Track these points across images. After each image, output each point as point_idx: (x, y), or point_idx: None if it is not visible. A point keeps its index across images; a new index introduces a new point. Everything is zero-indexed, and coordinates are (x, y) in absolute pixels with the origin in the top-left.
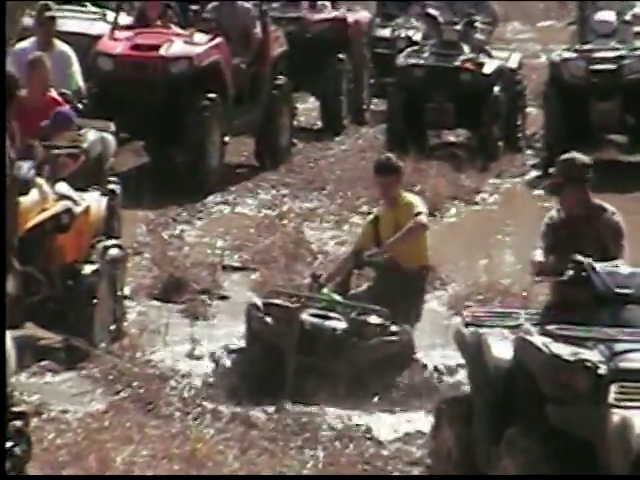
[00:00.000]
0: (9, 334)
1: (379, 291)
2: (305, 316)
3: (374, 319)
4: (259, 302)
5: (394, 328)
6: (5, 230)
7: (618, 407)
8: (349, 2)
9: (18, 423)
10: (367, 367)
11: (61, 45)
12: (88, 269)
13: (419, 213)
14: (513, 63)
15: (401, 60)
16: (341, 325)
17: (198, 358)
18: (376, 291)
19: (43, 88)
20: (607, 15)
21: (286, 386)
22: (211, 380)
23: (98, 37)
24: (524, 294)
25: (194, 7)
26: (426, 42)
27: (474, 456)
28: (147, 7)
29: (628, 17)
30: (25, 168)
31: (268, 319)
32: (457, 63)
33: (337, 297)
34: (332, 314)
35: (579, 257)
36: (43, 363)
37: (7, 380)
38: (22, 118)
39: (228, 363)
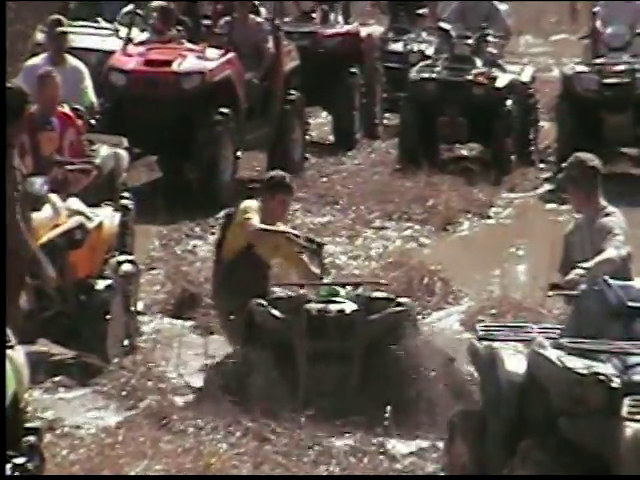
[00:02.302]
0: (22, 350)
1: None
2: (310, 304)
3: (378, 294)
4: (262, 300)
5: (400, 300)
6: (6, 238)
7: (631, 420)
8: (361, 16)
9: (31, 439)
10: (377, 340)
11: (73, 61)
12: (101, 285)
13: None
14: (526, 77)
15: (413, 74)
16: (349, 306)
17: (212, 373)
18: None
19: (53, 103)
20: (620, 28)
21: (300, 386)
22: (224, 394)
23: (110, 53)
24: (537, 308)
25: (206, 22)
26: (438, 56)
27: (488, 470)
28: (160, 20)
29: None
30: (38, 184)
31: (275, 312)
32: (469, 77)
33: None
34: (336, 299)
35: (581, 265)
36: (56, 379)
37: (21, 396)
38: (33, 133)
39: (240, 373)
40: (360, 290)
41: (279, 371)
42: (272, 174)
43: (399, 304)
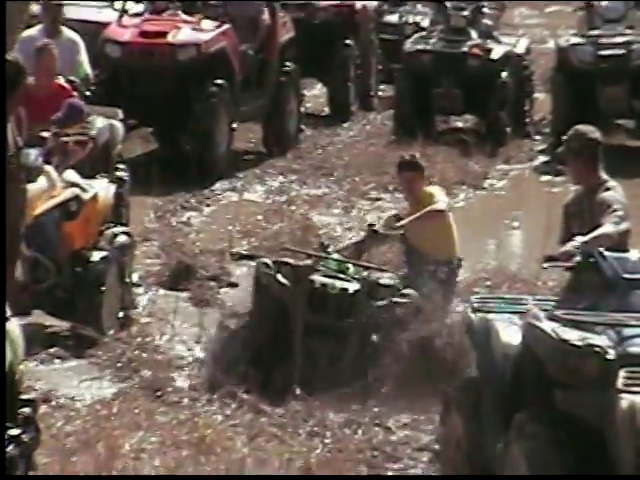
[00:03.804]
0: (17, 321)
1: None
2: (315, 276)
3: (385, 280)
4: (269, 261)
5: (405, 291)
6: (5, 220)
7: (627, 392)
8: None
9: (26, 410)
10: (376, 327)
11: (69, 32)
12: (96, 256)
13: (437, 200)
14: (521, 48)
15: (408, 46)
16: (352, 286)
17: (207, 344)
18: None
19: (50, 75)
20: (615, 0)
21: (295, 358)
22: (219, 366)
23: (106, 24)
24: (533, 280)
25: None
26: (434, 28)
27: (482, 442)
28: None
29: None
30: (33, 155)
31: (279, 277)
32: (465, 49)
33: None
34: (343, 275)
35: (577, 238)
36: (51, 350)
37: (16, 367)
38: (29, 105)
39: (236, 341)
40: (367, 273)
41: (277, 338)
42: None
43: (403, 295)
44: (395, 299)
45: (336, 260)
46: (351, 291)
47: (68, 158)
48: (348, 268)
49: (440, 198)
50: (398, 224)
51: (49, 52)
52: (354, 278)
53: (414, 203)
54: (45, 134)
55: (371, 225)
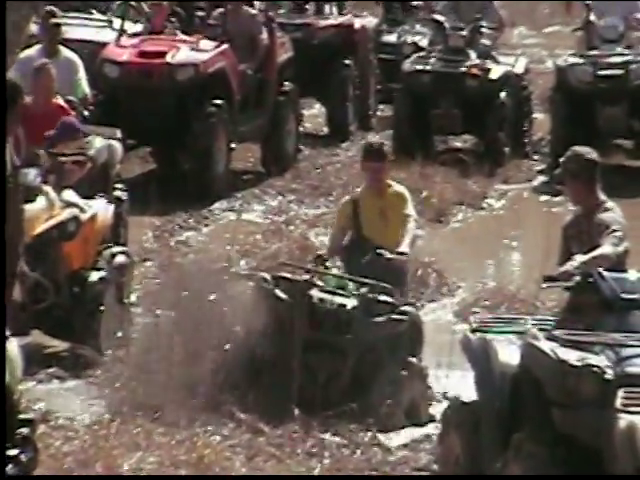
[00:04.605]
0: (15, 341)
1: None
2: (314, 291)
3: (384, 297)
4: (268, 275)
5: (404, 308)
6: (5, 233)
7: (625, 412)
8: (355, 8)
9: (25, 430)
10: (375, 344)
11: (67, 52)
12: (95, 276)
13: (410, 215)
14: (519, 68)
15: (407, 66)
16: (350, 302)
17: (205, 364)
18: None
19: (49, 95)
20: (613, 20)
21: (294, 374)
22: (218, 386)
23: (104, 44)
24: (531, 300)
25: (200, 13)
26: (432, 48)
27: (481, 462)
28: (154, 14)
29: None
30: (31, 175)
31: (277, 291)
32: (463, 69)
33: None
34: (341, 291)
35: (576, 258)
36: (50, 370)
37: (14, 387)
38: (28, 125)
39: (234, 359)
40: (365, 289)
41: (276, 354)
42: (367, 142)
43: (402, 312)
44: (393, 316)
45: (335, 276)
46: (349, 307)
47: (64, 177)
48: (348, 284)
49: (410, 206)
50: (401, 250)
51: (47, 72)
52: (353, 294)
53: (377, 194)
54: (39, 152)
55: (377, 248)
